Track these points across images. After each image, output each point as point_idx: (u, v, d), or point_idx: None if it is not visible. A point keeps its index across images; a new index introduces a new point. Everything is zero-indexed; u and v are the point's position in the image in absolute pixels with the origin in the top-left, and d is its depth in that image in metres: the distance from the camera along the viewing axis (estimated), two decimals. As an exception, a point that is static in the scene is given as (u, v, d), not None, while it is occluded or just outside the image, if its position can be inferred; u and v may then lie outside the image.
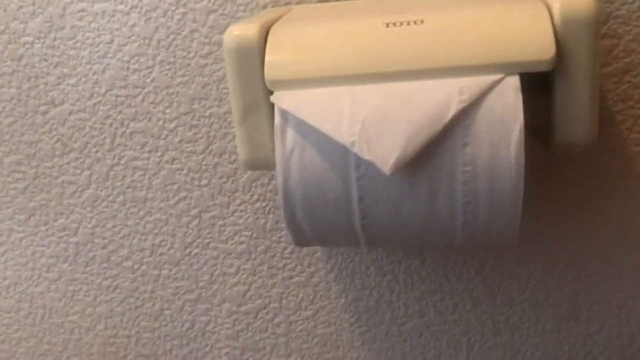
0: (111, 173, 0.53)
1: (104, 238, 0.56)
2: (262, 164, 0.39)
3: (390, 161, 0.33)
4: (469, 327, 0.54)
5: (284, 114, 0.35)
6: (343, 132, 0.34)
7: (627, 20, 0.44)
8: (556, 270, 0.51)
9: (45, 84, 0.52)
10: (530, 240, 0.50)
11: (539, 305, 0.53)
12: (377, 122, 0.33)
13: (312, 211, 0.36)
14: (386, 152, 0.33)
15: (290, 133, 0.35)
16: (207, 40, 0.49)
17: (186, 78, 0.50)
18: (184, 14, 0.48)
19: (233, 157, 0.51)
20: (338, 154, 0.35)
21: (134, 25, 0.49)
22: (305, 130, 0.35)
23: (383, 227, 0.36)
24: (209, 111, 0.50)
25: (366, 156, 0.33)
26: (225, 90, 0.50)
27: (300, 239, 0.39)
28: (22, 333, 0.60)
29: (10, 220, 0.56)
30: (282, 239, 0.53)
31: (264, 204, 0.53)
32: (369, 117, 0.33)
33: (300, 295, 0.55)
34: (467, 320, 0.54)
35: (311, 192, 0.36)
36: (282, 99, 0.35)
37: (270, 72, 0.36)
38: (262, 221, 0.53)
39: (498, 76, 0.33)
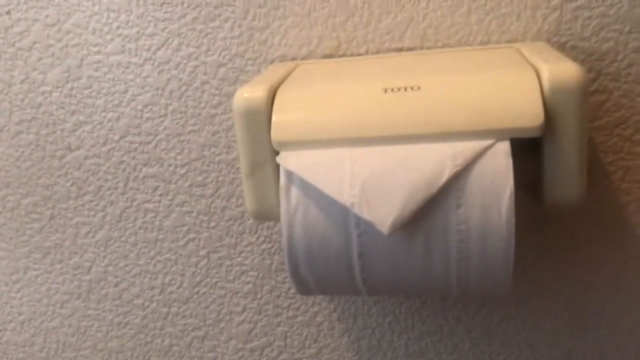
0: (124, 215, 0.56)
1: (116, 276, 0.58)
2: (268, 215, 0.42)
3: (388, 222, 0.35)
4: (467, 366, 0.56)
5: (289, 174, 0.38)
6: (344, 193, 0.36)
7: (616, 76, 0.47)
8: (551, 313, 0.53)
9: (62, 130, 0.54)
10: (527, 284, 0.52)
11: (535, 346, 0.54)
12: (376, 184, 0.35)
13: (315, 265, 0.39)
14: (384, 213, 0.35)
15: (294, 192, 0.37)
16: (217, 91, 0.51)
17: (197, 126, 0.52)
18: (196, 66, 0.51)
19: (240, 201, 0.54)
20: (339, 213, 0.37)
21: (147, 77, 0.52)
22: (309, 189, 0.37)
23: (382, 280, 0.38)
24: (218, 158, 0.53)
25: (366, 217, 0.35)
26: (233, 139, 0.52)
27: (304, 290, 0.41)
28: (35, 366, 0.62)
29: (27, 258, 0.59)
30: (287, 280, 0.56)
31: (269, 245, 0.55)
32: (368, 179, 0.36)
33: (305, 334, 0.57)
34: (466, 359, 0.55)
35: (314, 247, 0.38)
36: (288, 160, 0.38)
37: (276, 134, 0.38)
38: (268, 262, 0.55)
39: (489, 142, 0.36)
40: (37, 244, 0.58)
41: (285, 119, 0.38)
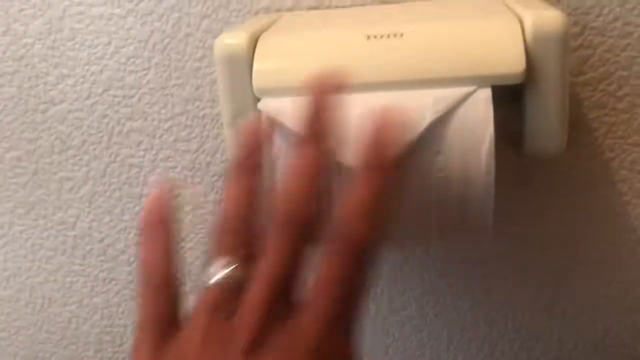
0: (108, 170, 0.55)
1: (100, 232, 0.58)
2: (250, 165, 0.42)
3: (369, 167, 0.35)
4: (449, 321, 0.56)
5: (270, 120, 0.37)
6: (325, 139, 0.36)
7: (602, 31, 0.46)
8: (533, 268, 0.54)
9: (45, 83, 0.54)
10: (508, 240, 0.53)
11: (516, 301, 0.55)
12: (357, 130, 0.35)
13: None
14: (364, 158, 0.35)
15: (275, 139, 0.37)
16: (201, 44, 0.51)
17: (180, 80, 0.52)
18: (179, 18, 0.50)
19: (225, 157, 0.53)
20: (321, 159, 0.37)
21: (130, 29, 0.51)
22: (290, 136, 0.37)
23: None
24: (202, 112, 0.52)
25: (347, 162, 0.35)
26: (217, 93, 0.52)
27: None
28: (21, 322, 0.62)
29: (11, 213, 0.58)
30: (272, 235, 0.56)
31: (254, 201, 0.55)
32: (348, 125, 0.36)
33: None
34: (448, 314, 0.56)
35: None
36: (269, 106, 0.37)
37: (258, 80, 0.38)
38: (253, 218, 0.55)
39: (471, 88, 0.36)
40: (21, 199, 0.58)
41: (267, 66, 0.38)
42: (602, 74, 0.48)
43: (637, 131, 0.49)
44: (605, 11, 0.46)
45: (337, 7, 0.48)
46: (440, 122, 0.35)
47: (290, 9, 0.49)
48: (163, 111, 0.53)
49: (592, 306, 0.54)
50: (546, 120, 0.37)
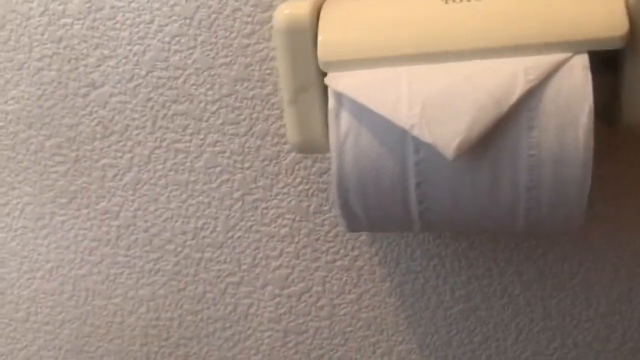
0: (153, 156, 0.53)
1: (146, 221, 0.55)
2: (312, 147, 0.38)
3: (453, 144, 0.31)
4: (517, 311, 0.53)
5: (339, 96, 0.34)
6: (402, 114, 0.32)
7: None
8: (611, 253, 0.50)
9: (86, 66, 0.51)
10: (585, 222, 0.49)
11: (591, 288, 0.51)
12: (438, 104, 0.32)
13: (367, 197, 0.35)
14: (448, 135, 0.31)
15: (345, 116, 0.34)
16: (249, 19, 0.47)
17: (228, 59, 0.49)
18: (226, -8, 0.47)
19: (276, 140, 0.50)
20: (396, 138, 0.33)
21: (174, 5, 0.48)
22: (361, 113, 0.34)
23: (441, 213, 0.35)
24: (251, 93, 0.49)
25: (427, 139, 0.32)
26: (267, 71, 0.48)
27: (353, 225, 0.38)
28: (65, 315, 0.60)
29: (52, 203, 0.56)
30: (326, 222, 0.53)
31: (307, 187, 0.52)
32: (429, 98, 0.32)
33: (344, 278, 0.54)
34: (516, 304, 0.52)
35: (366, 178, 0.35)
36: (337, 81, 0.34)
37: (323, 53, 0.34)
38: (306, 204, 0.52)
39: (566, 55, 0.32)
40: (62, 188, 0.55)
41: (334, 37, 0.35)
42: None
43: None
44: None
45: (398, -26, 0.44)
46: (533, 94, 0.32)
47: (346, -22, 0.45)
48: (210, 92, 0.50)
49: (675, 294, 0.50)
50: (648, 90, 0.33)
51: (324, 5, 0.36)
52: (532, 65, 0.32)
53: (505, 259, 0.51)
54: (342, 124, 0.34)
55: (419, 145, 0.33)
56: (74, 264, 0.58)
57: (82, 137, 0.53)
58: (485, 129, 0.31)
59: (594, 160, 0.34)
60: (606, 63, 0.35)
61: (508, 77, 0.31)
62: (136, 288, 0.58)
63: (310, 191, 0.52)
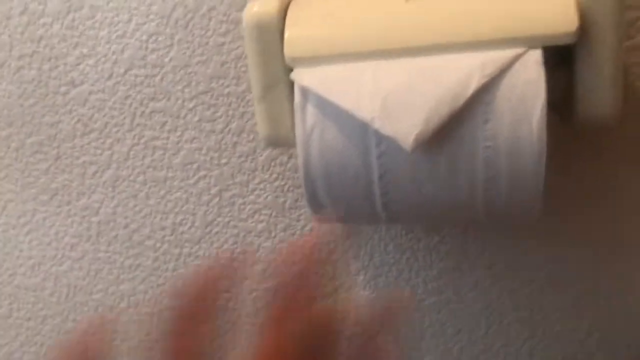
0: (131, 153, 0.54)
1: (125, 217, 0.56)
2: (282, 140, 0.40)
3: (411, 137, 0.33)
4: (488, 303, 0.54)
5: (304, 91, 0.35)
6: (364, 108, 0.33)
7: (651, -9, 0.44)
8: (576, 246, 0.51)
9: (65, 64, 0.52)
10: (552, 215, 0.50)
11: (559, 280, 0.53)
12: (398, 98, 0.33)
13: (333, 189, 0.37)
14: (407, 127, 0.33)
15: (310, 110, 0.35)
16: (225, 18, 0.48)
17: (204, 57, 0.50)
18: (202, -8, 0.48)
19: (252, 136, 0.51)
20: (359, 131, 0.35)
21: (151, 4, 0.49)
22: (326, 107, 0.35)
23: (404, 204, 0.37)
24: (227, 90, 0.50)
25: (387, 132, 0.33)
26: (243, 69, 0.50)
27: (322, 217, 0.39)
28: (47, 311, 0.61)
29: (34, 200, 0.57)
30: (302, 217, 0.54)
31: (283, 183, 0.53)
32: (390, 93, 0.33)
33: (320, 272, 0.55)
34: (487, 296, 0.54)
35: (332, 170, 0.36)
36: (302, 76, 0.35)
37: (289, 49, 0.36)
38: (282, 199, 0.53)
39: (520, 50, 0.33)
40: (43, 185, 0.56)
41: (299, 33, 0.36)
42: (650, 38, 0.45)
43: (690, 98, 0.46)
44: (655, -30, 0.43)
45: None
46: (488, 88, 0.33)
47: (318, -22, 0.46)
48: (187, 90, 0.51)
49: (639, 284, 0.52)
50: (600, 83, 0.35)
51: (292, 3, 0.37)
52: (488, 60, 0.33)
53: (476, 252, 0.52)
54: (307, 118, 0.35)
55: (381, 138, 0.34)
56: (55, 260, 0.59)
57: (63, 135, 0.54)
58: (442, 122, 0.33)
59: (551, 153, 0.36)
60: (563, 58, 0.37)
61: (465, 71, 0.33)
62: (117, 283, 0.59)
63: (286, 187, 0.53)
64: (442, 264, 0.53)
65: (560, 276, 0.52)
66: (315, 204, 0.38)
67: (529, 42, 0.33)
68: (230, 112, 0.51)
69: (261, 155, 0.52)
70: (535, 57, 0.33)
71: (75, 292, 0.60)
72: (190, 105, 0.51)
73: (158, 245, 0.57)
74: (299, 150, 0.36)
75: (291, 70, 0.37)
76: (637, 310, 0.53)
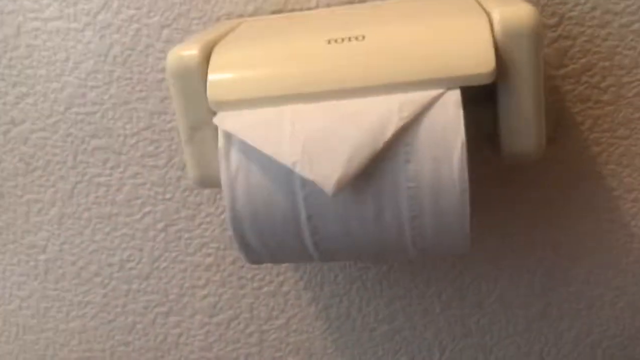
0: (75, 190, 0.53)
1: (72, 254, 0.55)
2: (211, 181, 0.39)
3: (332, 181, 0.33)
4: (439, 330, 0.54)
5: (227, 135, 0.35)
6: (285, 152, 0.33)
7: (580, 21, 0.44)
8: (524, 270, 0.51)
9: (4, 103, 0.51)
10: (498, 241, 0.50)
11: (509, 305, 0.53)
12: (319, 142, 0.33)
13: (262, 232, 0.36)
14: (328, 171, 0.33)
15: (234, 154, 0.35)
16: (162, 54, 0.48)
17: (144, 93, 0.49)
18: (138, 29, 0.48)
19: (195, 171, 0.51)
20: (283, 174, 0.34)
21: (89, 42, 0.49)
22: (250, 151, 0.35)
23: (335, 243, 0.36)
24: (169, 125, 0.50)
25: (308, 176, 0.33)
26: (183, 104, 0.49)
27: (254, 258, 0.38)
28: (-3, 351, 0.60)
29: (-21, 240, 0.56)
30: (250, 250, 0.53)
31: (230, 215, 0.52)
32: (310, 136, 0.33)
33: (271, 304, 0.55)
34: (437, 323, 0.54)
35: (259, 213, 0.36)
36: (225, 120, 0.35)
37: (212, 93, 0.35)
38: (229, 233, 0.53)
39: (438, 91, 0.33)
40: (-12, 224, 0.56)
41: (222, 77, 0.36)
42: (583, 66, 0.45)
43: (623, 123, 0.46)
44: (583, 0, 0.44)
45: (301, 9, 0.46)
46: (408, 129, 0.33)
47: (252, 14, 0.46)
48: (128, 126, 0.51)
49: (587, 308, 0.52)
50: (521, 120, 0.35)
51: (217, 47, 0.37)
52: (406, 102, 0.33)
53: (424, 280, 0.52)
54: (232, 162, 0.35)
55: (305, 180, 0.34)
56: (3, 299, 0.58)
57: (5, 174, 0.53)
58: (362, 164, 0.32)
59: (478, 187, 0.36)
60: (487, 94, 0.37)
61: (383, 114, 0.33)
62: (67, 321, 0.58)
63: (233, 220, 0.53)
64: (392, 291, 0.53)
65: (510, 301, 0.53)
66: (245, 246, 0.37)
67: (447, 83, 0.33)
68: (173, 147, 0.51)
69: (206, 190, 0.52)
70: (454, 97, 0.33)
71: (25, 330, 0.59)
72: (132, 142, 0.51)
73: (106, 281, 0.56)
74: (225, 193, 0.35)
75: (215, 113, 0.36)
76: (586, 333, 0.53)
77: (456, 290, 0.53)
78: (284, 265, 0.54)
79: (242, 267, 0.54)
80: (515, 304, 0.53)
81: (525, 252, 0.51)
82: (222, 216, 0.52)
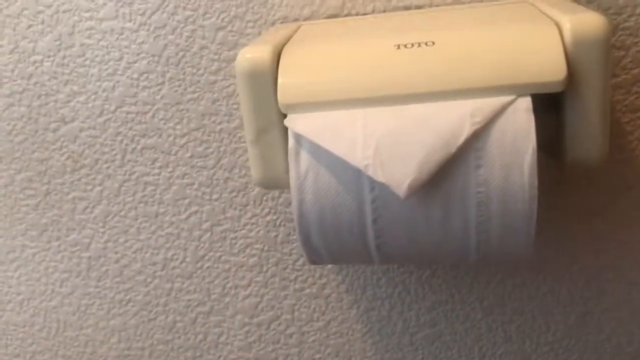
0: (122, 188, 0.54)
1: (116, 252, 0.56)
2: (275, 183, 0.40)
3: (405, 184, 0.33)
4: (480, 335, 0.54)
5: (298, 137, 0.36)
6: (357, 155, 0.34)
7: (634, 31, 0.45)
8: (566, 278, 0.52)
9: (56, 101, 0.52)
10: (542, 249, 0.51)
11: (549, 312, 0.53)
12: (391, 145, 0.34)
13: (327, 233, 0.37)
14: (400, 175, 0.33)
15: (304, 156, 0.36)
16: (216, 57, 0.49)
17: (196, 94, 0.50)
18: (193, 30, 0.48)
19: (244, 172, 0.52)
20: (352, 177, 0.35)
21: (142, 43, 0.49)
22: (319, 153, 0.35)
23: (397, 247, 0.37)
24: (219, 127, 0.51)
25: (380, 179, 0.33)
26: (234, 106, 0.50)
27: (315, 259, 0.39)
28: (36, 347, 0.60)
29: (23, 236, 0.57)
30: (294, 252, 0.54)
31: (275, 217, 0.53)
32: (382, 140, 0.34)
33: (312, 306, 0.55)
34: (479, 329, 0.54)
35: (326, 214, 0.36)
36: (296, 122, 0.36)
37: (283, 96, 0.36)
38: (274, 234, 0.53)
39: (510, 98, 0.34)
40: (33, 221, 0.56)
41: (293, 80, 0.36)
42: (635, 76, 0.46)
43: (674, 134, 0.47)
44: (638, 10, 0.44)
45: (357, 14, 0.46)
46: (479, 135, 0.33)
47: (308, 18, 0.47)
48: (178, 127, 0.51)
49: (629, 317, 0.52)
50: (588, 129, 0.35)
51: (284, 49, 0.38)
52: (478, 108, 0.33)
53: (467, 285, 0.53)
54: (301, 164, 0.36)
55: (374, 183, 0.34)
56: (44, 295, 0.58)
57: (53, 171, 0.54)
58: (434, 169, 0.33)
59: (541, 194, 0.36)
60: (554, 102, 0.37)
61: (456, 119, 0.33)
62: (107, 319, 0.58)
63: (278, 221, 0.53)
64: (434, 296, 0.54)
65: (550, 309, 0.53)
66: (309, 246, 0.38)
67: (519, 90, 0.34)
68: (222, 149, 0.51)
69: (253, 190, 0.52)
70: (525, 104, 0.34)
71: (65, 327, 0.59)
72: (182, 142, 0.51)
73: (149, 280, 0.56)
74: (293, 194, 0.36)
75: (284, 115, 0.37)
76: (627, 343, 0.53)
77: (498, 297, 0.53)
78: (327, 267, 0.54)
79: (285, 268, 0.54)
80: (556, 311, 0.53)
81: (568, 261, 0.51)
82: (268, 217, 0.53)
